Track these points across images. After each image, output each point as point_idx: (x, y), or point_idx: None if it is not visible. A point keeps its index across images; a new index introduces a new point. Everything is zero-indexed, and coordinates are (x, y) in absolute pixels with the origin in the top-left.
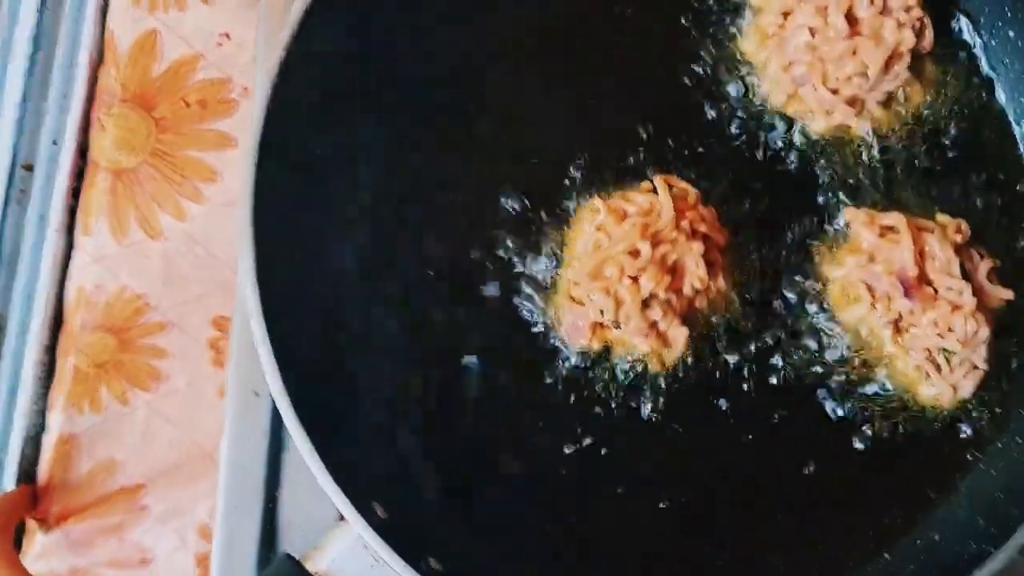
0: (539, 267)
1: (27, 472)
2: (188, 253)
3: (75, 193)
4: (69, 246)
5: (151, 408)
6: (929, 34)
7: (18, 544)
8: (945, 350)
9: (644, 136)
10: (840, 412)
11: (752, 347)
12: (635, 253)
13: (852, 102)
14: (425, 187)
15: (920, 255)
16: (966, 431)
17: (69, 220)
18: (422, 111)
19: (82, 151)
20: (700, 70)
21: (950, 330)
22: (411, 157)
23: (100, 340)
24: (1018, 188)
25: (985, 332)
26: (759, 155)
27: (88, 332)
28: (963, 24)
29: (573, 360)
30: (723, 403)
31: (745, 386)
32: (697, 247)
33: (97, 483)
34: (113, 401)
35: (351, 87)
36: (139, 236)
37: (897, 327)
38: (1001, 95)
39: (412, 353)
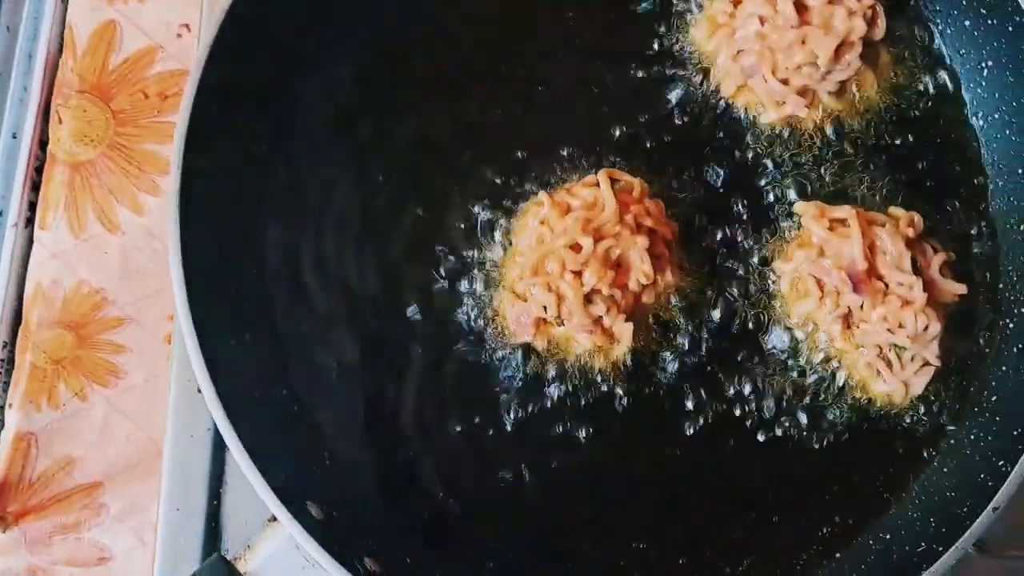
0: (487, 260)
1: None
2: (146, 247)
3: (35, 187)
4: (29, 241)
5: (109, 404)
6: (881, 22)
7: None
8: (896, 346)
9: (593, 128)
10: (791, 410)
11: (700, 343)
12: (577, 248)
13: (803, 92)
14: (363, 175)
15: (870, 249)
16: (919, 429)
17: (29, 214)
18: (362, 96)
19: (43, 144)
20: (652, 60)
21: (901, 326)
22: (346, 143)
23: (58, 336)
24: (975, 181)
25: (937, 327)
26: (709, 147)
27: (45, 328)
28: (918, 12)
29: (514, 356)
30: (671, 400)
31: (693, 383)
32: (642, 241)
33: (55, 481)
34: (71, 398)
35: (286, 73)
36: (97, 230)
37: (847, 322)
38: (957, 85)
39: (350, 348)
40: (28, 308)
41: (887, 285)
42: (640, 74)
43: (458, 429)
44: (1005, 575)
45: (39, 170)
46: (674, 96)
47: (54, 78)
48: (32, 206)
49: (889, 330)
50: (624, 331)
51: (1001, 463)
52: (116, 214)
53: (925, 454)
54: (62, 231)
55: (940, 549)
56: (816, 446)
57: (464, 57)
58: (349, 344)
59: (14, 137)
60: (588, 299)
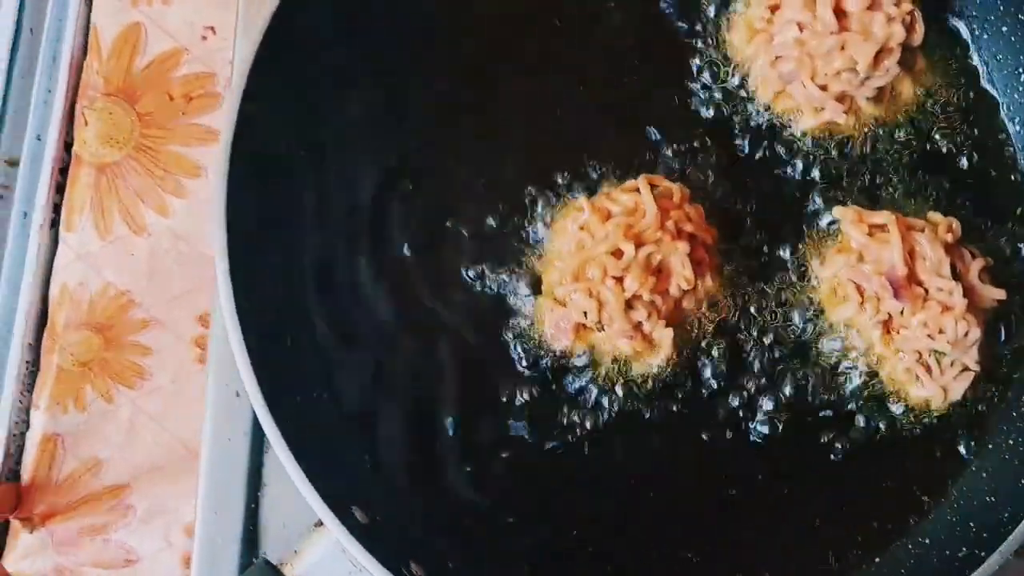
0: (526, 266)
1: (11, 471)
2: (172, 249)
3: (59, 189)
4: (54, 243)
5: (135, 406)
6: (919, 28)
7: (1, 544)
8: (936, 352)
9: (631, 133)
10: (831, 415)
11: (742, 346)
12: (618, 253)
13: (841, 98)
14: (403, 182)
15: (910, 255)
16: (958, 433)
17: (53, 216)
18: (403, 104)
19: (67, 146)
20: (690, 65)
21: (941, 331)
22: (388, 149)
23: (84, 338)
24: (1012, 185)
25: (976, 333)
26: (748, 152)
27: (72, 330)
28: (955, 18)
29: (556, 360)
30: (710, 406)
31: (732, 390)
32: (683, 247)
33: (81, 482)
34: (97, 399)
35: (328, 80)
36: (123, 232)
37: (887, 328)
38: (994, 90)
39: (392, 350)
40: (54, 310)
41: (927, 291)
42: (677, 79)
43: (497, 435)
44: None
45: (63, 172)
46: (712, 101)
47: (79, 80)
48: (56, 208)
49: (929, 336)
50: (664, 337)
51: None
52: (142, 216)
53: (964, 459)
54: (88, 233)
55: (982, 554)
56: (854, 451)
57: (503, 64)
58: (390, 348)
59: (38, 139)
60: (629, 305)
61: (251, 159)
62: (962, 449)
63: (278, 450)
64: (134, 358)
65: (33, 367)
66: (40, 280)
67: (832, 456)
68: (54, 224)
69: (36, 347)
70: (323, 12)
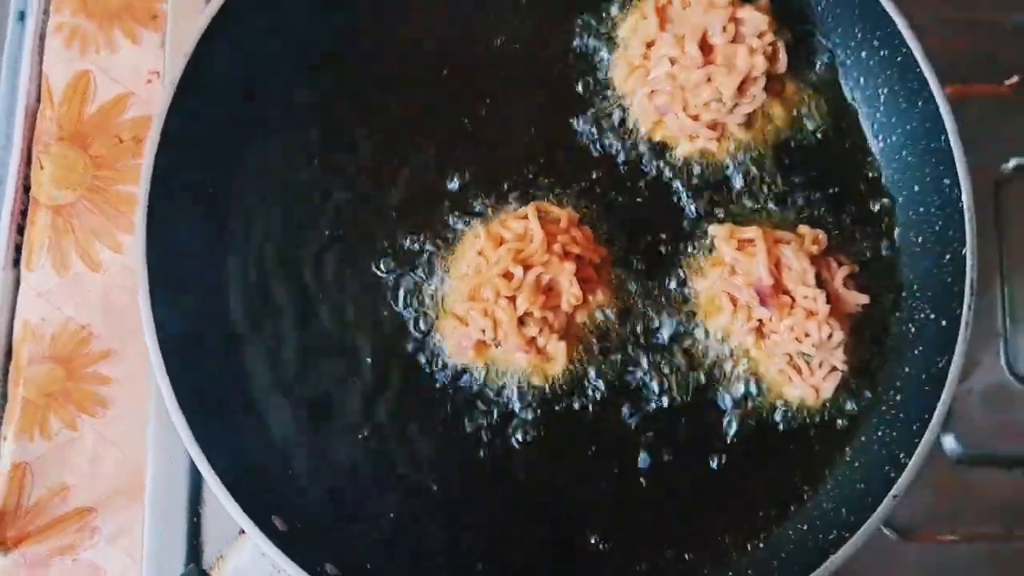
0: (429, 287)
1: None
2: (126, 284)
3: (20, 230)
4: (16, 281)
5: (98, 433)
6: (782, 58)
7: None
8: (804, 354)
9: (525, 163)
10: (718, 414)
11: (632, 355)
12: (509, 276)
13: (713, 126)
14: (317, 212)
15: (776, 266)
16: (832, 428)
17: (15, 256)
18: (310, 139)
19: (26, 189)
20: (578, 100)
21: (806, 335)
22: (301, 180)
23: (48, 371)
24: (878, 198)
25: (840, 336)
26: (633, 177)
27: (36, 363)
28: (820, 45)
29: (458, 375)
30: (608, 409)
31: (623, 394)
32: (569, 267)
33: (50, 507)
34: (63, 428)
35: (242, 117)
36: (80, 268)
37: (760, 334)
38: (859, 111)
39: (308, 372)
40: (18, 346)
41: (793, 298)
42: (567, 113)
43: (410, 444)
44: (936, 558)
45: (24, 213)
46: (598, 132)
47: (34, 127)
48: (18, 248)
49: (796, 339)
50: (557, 350)
51: (902, 455)
52: (97, 253)
53: (838, 450)
54: (47, 271)
55: (847, 535)
56: (739, 447)
57: (406, 96)
58: (306, 367)
59: None
60: (522, 322)
61: (169, 198)
62: (836, 441)
63: (202, 469)
64: (95, 387)
65: (1, 400)
66: (5, 318)
67: (721, 451)
68: (16, 263)
69: (3, 381)
70: (233, 66)
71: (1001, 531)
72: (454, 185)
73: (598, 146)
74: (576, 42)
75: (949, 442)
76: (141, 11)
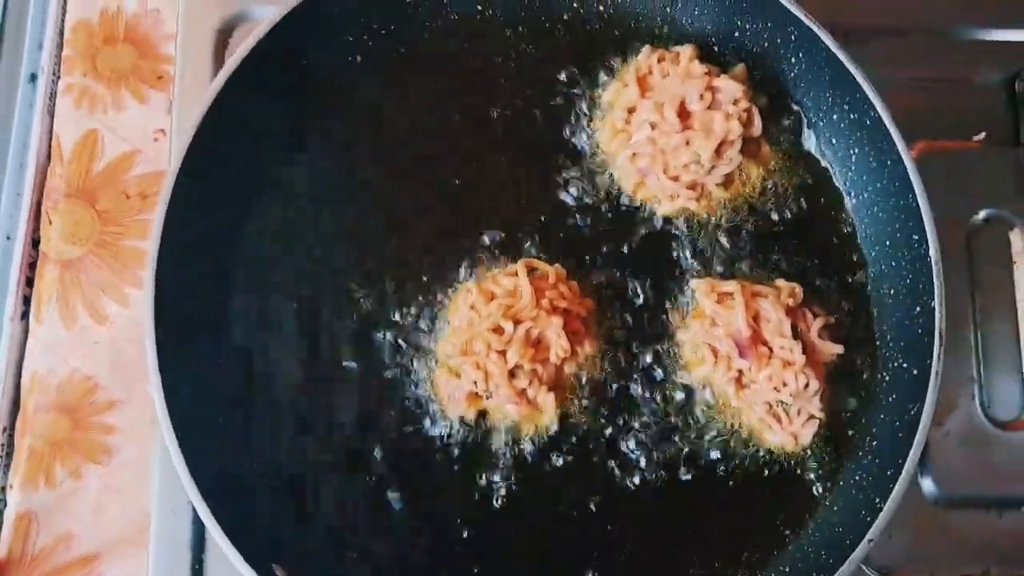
0: (423, 340)
1: None
2: (133, 336)
3: (29, 283)
4: (25, 333)
5: (103, 482)
6: (757, 122)
7: None
8: (782, 402)
9: (516, 221)
10: (701, 462)
11: (618, 405)
12: (499, 330)
13: (693, 186)
14: (316, 274)
15: (755, 318)
16: (813, 474)
17: (24, 309)
18: (316, 201)
19: (35, 243)
20: (565, 162)
21: (784, 384)
22: (304, 243)
23: (54, 420)
24: (851, 253)
25: (816, 384)
26: (617, 235)
27: (42, 413)
28: (793, 109)
29: (452, 427)
30: (596, 460)
31: (614, 445)
32: (556, 321)
33: (55, 555)
34: (67, 477)
35: (250, 180)
36: (87, 322)
37: (740, 383)
38: (831, 170)
39: (311, 423)
40: (25, 396)
41: (771, 349)
42: (556, 173)
43: (410, 492)
44: None
45: (32, 267)
46: (585, 191)
47: (43, 184)
48: (27, 300)
49: (775, 388)
50: (547, 401)
51: (876, 500)
52: (104, 307)
53: (818, 495)
54: (55, 324)
55: None
56: (723, 493)
57: (397, 160)
58: (307, 421)
59: (8, 239)
60: (512, 374)
61: (180, 246)
62: (817, 488)
63: (204, 520)
64: (100, 437)
65: (8, 449)
66: (13, 369)
67: (704, 498)
68: (24, 316)
69: (10, 431)
70: (239, 130)
71: (979, 571)
72: (453, 244)
73: (585, 205)
74: (563, 107)
75: (927, 484)
76: (148, 72)
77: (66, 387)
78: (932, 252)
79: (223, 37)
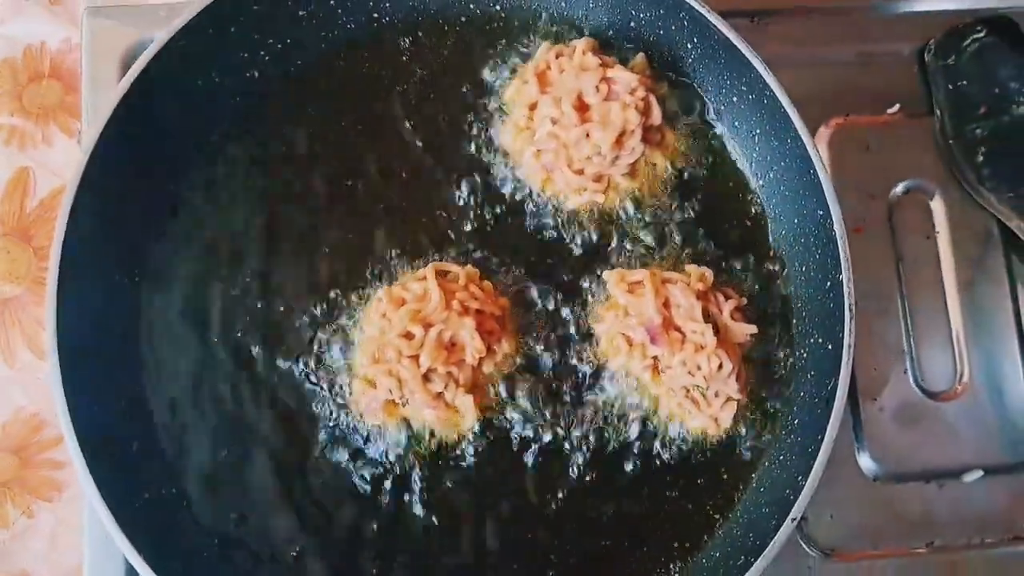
0: (335, 352)
1: None
2: None
3: None
4: None
5: (55, 517)
6: (656, 111)
7: None
8: (698, 386)
9: (428, 224)
10: (626, 451)
11: (539, 400)
12: (409, 335)
13: (599, 179)
14: (231, 288)
15: (665, 305)
16: (739, 456)
17: None
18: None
19: None
20: (471, 164)
21: (699, 368)
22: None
23: (1, 461)
24: (762, 233)
25: (729, 365)
26: (528, 232)
27: None
28: (694, 93)
29: (371, 435)
30: (521, 456)
31: (538, 439)
32: (469, 322)
33: None
34: (20, 516)
35: (151, 200)
36: (28, 358)
37: (656, 370)
38: (736, 153)
39: (231, 444)
40: None
41: (683, 334)
42: (464, 176)
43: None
44: (860, 574)
45: None
46: (494, 192)
47: None
48: None
49: (689, 373)
50: (465, 403)
51: (799, 478)
52: (44, 343)
53: (744, 477)
54: None
55: (752, 560)
56: (652, 480)
57: (301, 175)
58: (227, 442)
59: None
60: (427, 378)
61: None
62: (744, 470)
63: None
64: (50, 473)
65: None
66: None
67: (635, 486)
68: None
69: None
70: (136, 151)
71: (922, 544)
72: (365, 252)
73: (495, 206)
74: (466, 109)
75: (865, 460)
76: (74, 106)
77: (13, 425)
78: (836, 226)
79: (128, 64)
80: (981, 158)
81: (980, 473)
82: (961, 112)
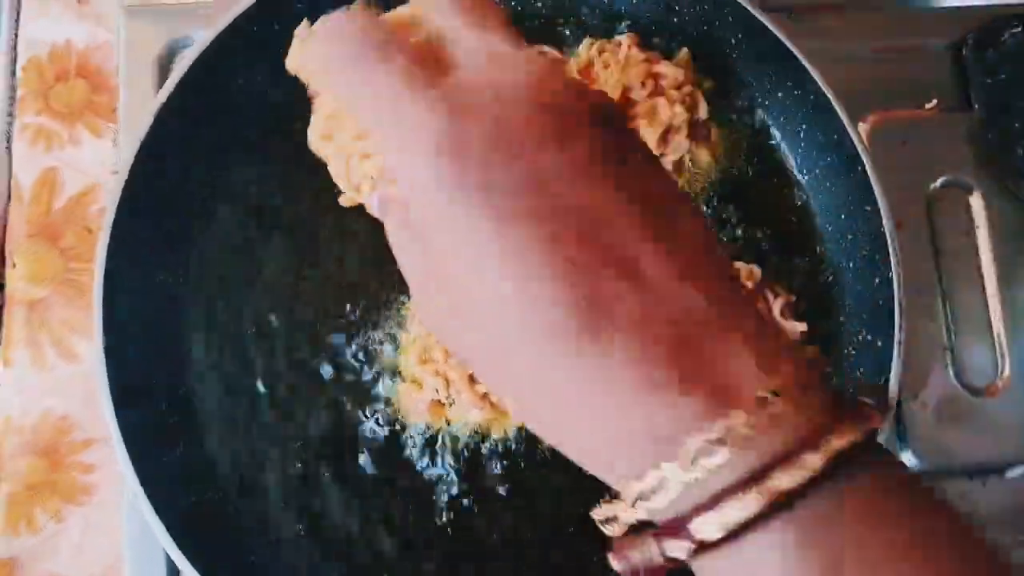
0: (385, 354)
1: None
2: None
3: None
4: None
5: (86, 521)
6: (702, 105)
7: None
8: None
9: None
10: None
11: None
12: None
13: None
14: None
15: None
16: None
17: None
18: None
19: (1, 287)
20: None
21: None
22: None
23: (31, 464)
24: (809, 229)
25: None
26: None
27: (19, 458)
28: (740, 90)
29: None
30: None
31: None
32: None
33: None
34: (49, 520)
35: (199, 204)
36: (57, 361)
37: None
38: (782, 149)
39: (271, 447)
40: (0, 442)
41: None
42: None
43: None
44: None
45: None
46: None
47: (5, 227)
48: None
49: None
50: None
51: None
52: (73, 345)
53: None
54: (25, 367)
55: None
56: None
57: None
58: (267, 445)
59: None
60: (472, 379)
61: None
62: None
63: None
64: (80, 476)
65: None
66: None
67: None
68: None
69: None
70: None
71: None
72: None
73: None
74: None
75: (907, 458)
76: (102, 106)
77: (41, 428)
78: (885, 222)
79: (166, 63)
80: (1021, 151)
81: None
82: (1000, 106)
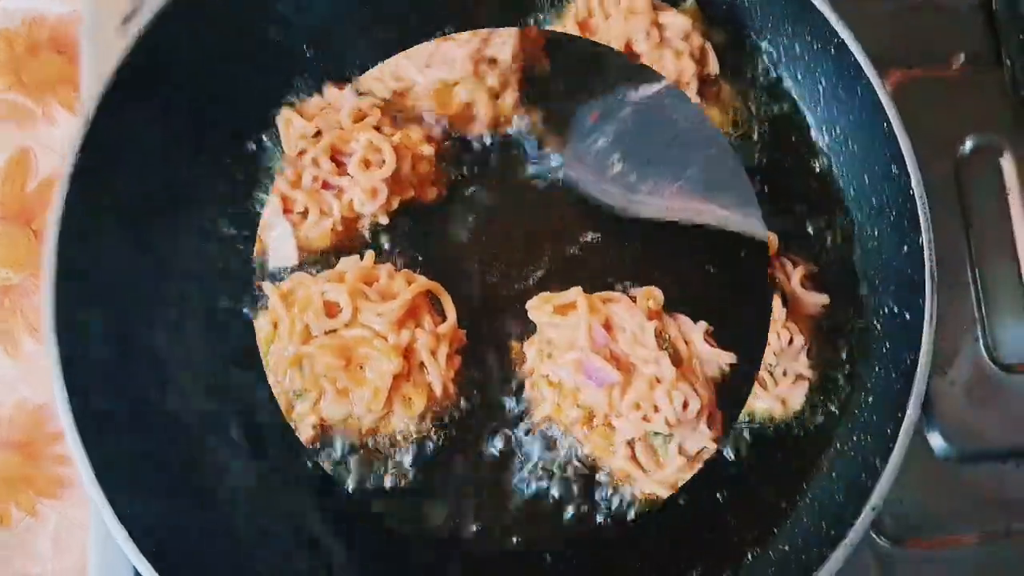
0: None
1: None
2: None
3: None
4: None
5: (61, 515)
6: (712, 60)
7: None
8: (771, 366)
9: None
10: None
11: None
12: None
13: None
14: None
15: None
16: (807, 438)
17: None
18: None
19: None
20: None
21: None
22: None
23: (5, 458)
24: (829, 194)
25: (800, 340)
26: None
27: None
28: (754, 44)
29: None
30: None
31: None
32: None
33: None
34: (24, 516)
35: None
36: (31, 348)
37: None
38: (799, 106)
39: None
40: None
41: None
42: None
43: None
44: (933, 562)
45: None
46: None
47: None
48: None
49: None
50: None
51: (876, 461)
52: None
53: (813, 462)
54: None
55: (828, 552)
56: (716, 472)
57: None
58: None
59: None
60: None
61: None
62: (811, 452)
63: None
64: (56, 468)
65: None
66: None
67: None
68: None
69: None
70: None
71: (1000, 527)
72: None
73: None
74: None
75: (936, 439)
76: (75, 78)
77: (17, 418)
78: (914, 184)
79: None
80: None
81: None
82: None
